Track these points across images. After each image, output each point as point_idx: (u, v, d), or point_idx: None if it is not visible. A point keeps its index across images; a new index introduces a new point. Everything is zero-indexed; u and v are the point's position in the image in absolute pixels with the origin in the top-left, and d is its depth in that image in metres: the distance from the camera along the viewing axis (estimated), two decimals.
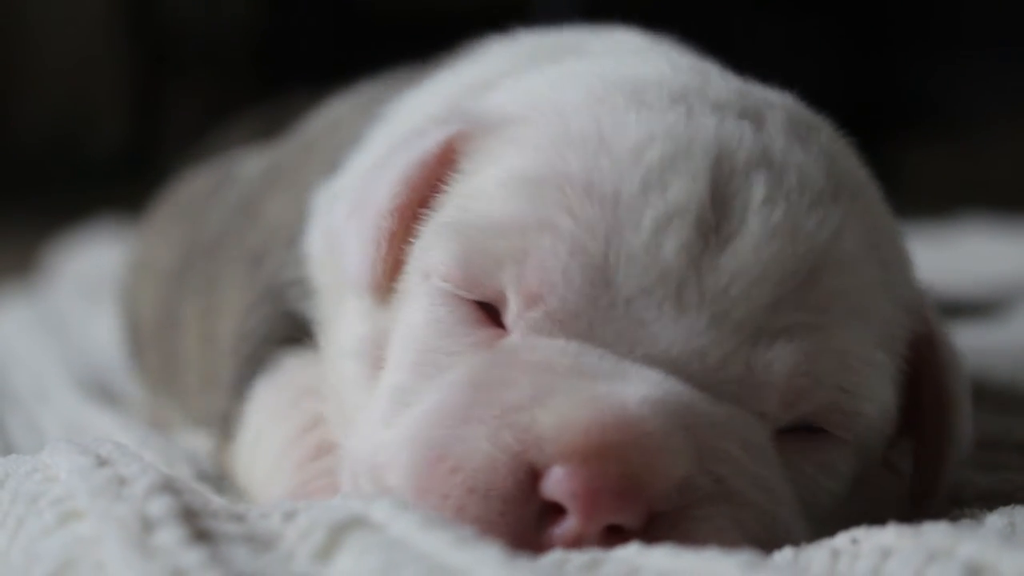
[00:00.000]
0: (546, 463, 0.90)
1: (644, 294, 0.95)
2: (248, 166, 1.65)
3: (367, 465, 1.01)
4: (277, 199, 1.40)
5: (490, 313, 1.00)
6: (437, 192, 1.06)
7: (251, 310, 1.27)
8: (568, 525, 0.90)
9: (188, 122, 4.31)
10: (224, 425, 1.25)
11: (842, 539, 0.92)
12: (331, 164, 1.29)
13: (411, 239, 1.06)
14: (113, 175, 4.10)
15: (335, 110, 1.49)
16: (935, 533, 0.89)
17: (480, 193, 1.03)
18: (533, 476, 0.91)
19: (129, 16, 4.49)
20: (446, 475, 0.93)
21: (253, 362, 1.23)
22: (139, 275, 1.76)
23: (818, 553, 0.91)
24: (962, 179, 2.81)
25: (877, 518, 0.94)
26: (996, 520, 0.99)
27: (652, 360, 0.95)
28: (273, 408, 1.19)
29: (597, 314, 0.96)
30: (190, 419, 1.48)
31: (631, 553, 0.88)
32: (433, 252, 1.02)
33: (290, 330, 1.22)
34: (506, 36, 1.33)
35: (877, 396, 1.01)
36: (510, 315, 0.99)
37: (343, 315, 1.13)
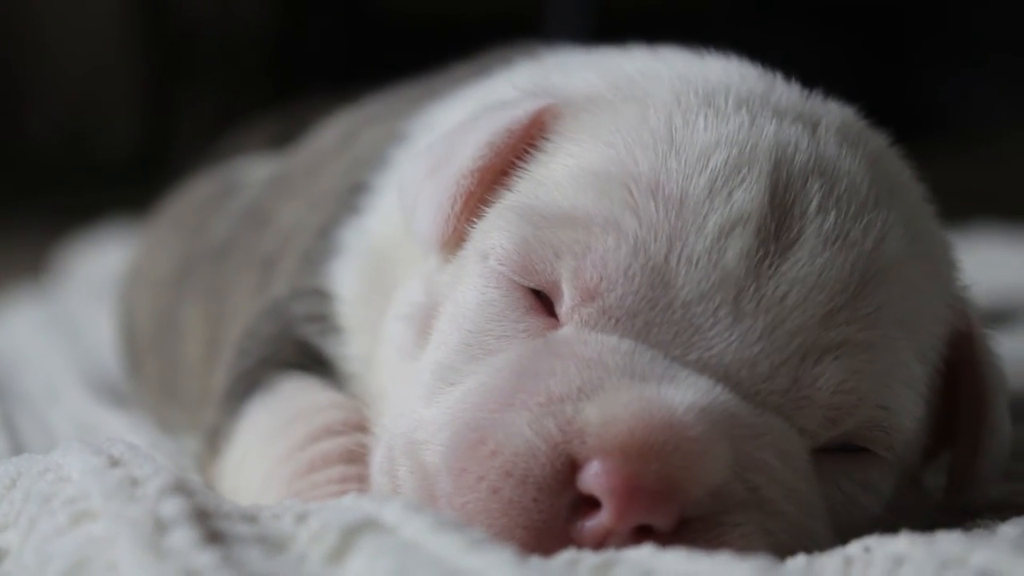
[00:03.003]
0: (586, 456, 0.91)
1: (702, 299, 0.96)
2: (255, 174, 1.65)
3: (405, 440, 1.01)
4: (288, 205, 1.41)
5: (543, 302, 1.01)
6: (511, 171, 1.07)
7: (255, 326, 1.27)
8: (600, 520, 0.90)
9: (200, 124, 4.32)
10: (212, 439, 1.25)
11: (855, 547, 0.92)
12: (346, 178, 1.29)
13: (474, 219, 1.07)
14: (125, 177, 4.10)
15: (344, 123, 1.50)
16: (948, 542, 0.89)
17: (549, 181, 1.04)
18: (571, 467, 0.91)
19: (142, 18, 4.50)
20: (485, 457, 0.93)
21: (248, 379, 1.23)
22: (135, 283, 1.76)
23: (831, 560, 0.91)
24: (975, 189, 2.81)
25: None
26: (1009, 530, 0.98)
27: (704, 365, 0.95)
28: (264, 430, 1.19)
29: (654, 315, 0.96)
30: (192, 427, 1.48)
31: (644, 555, 0.88)
32: (494, 234, 1.03)
33: (294, 356, 1.23)
34: (528, 52, 1.33)
35: (912, 411, 1.02)
36: (563, 307, 0.99)
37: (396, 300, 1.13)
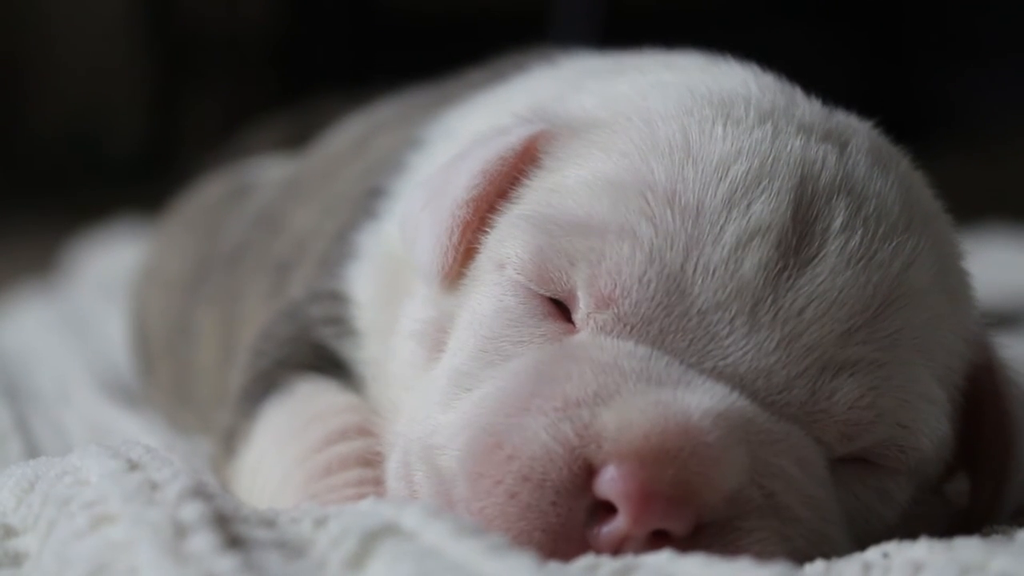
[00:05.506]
0: (602, 461, 0.91)
1: (719, 308, 0.96)
2: (267, 176, 1.65)
3: (421, 446, 1.01)
4: (302, 210, 1.41)
5: (560, 308, 1.01)
6: (516, 185, 1.07)
7: (271, 328, 1.27)
8: (616, 525, 0.90)
9: (206, 122, 4.32)
10: (227, 440, 1.25)
11: (873, 553, 0.92)
12: (362, 182, 1.29)
13: (486, 229, 1.07)
14: (132, 175, 4.09)
15: (355, 128, 1.49)
16: (967, 548, 0.89)
17: (563, 189, 1.04)
18: (588, 472, 0.92)
19: (148, 16, 4.49)
20: (502, 462, 0.93)
21: (265, 381, 1.23)
22: (147, 284, 1.76)
23: (849, 566, 0.91)
24: (984, 188, 2.81)
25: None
26: None
27: (719, 373, 0.95)
28: (280, 432, 1.19)
29: (669, 322, 0.97)
30: (205, 429, 1.48)
31: (663, 561, 0.88)
32: (509, 243, 1.03)
33: (311, 359, 1.23)
34: (543, 56, 1.33)
35: (933, 431, 1.01)
36: (579, 314, 0.99)
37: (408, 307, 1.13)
